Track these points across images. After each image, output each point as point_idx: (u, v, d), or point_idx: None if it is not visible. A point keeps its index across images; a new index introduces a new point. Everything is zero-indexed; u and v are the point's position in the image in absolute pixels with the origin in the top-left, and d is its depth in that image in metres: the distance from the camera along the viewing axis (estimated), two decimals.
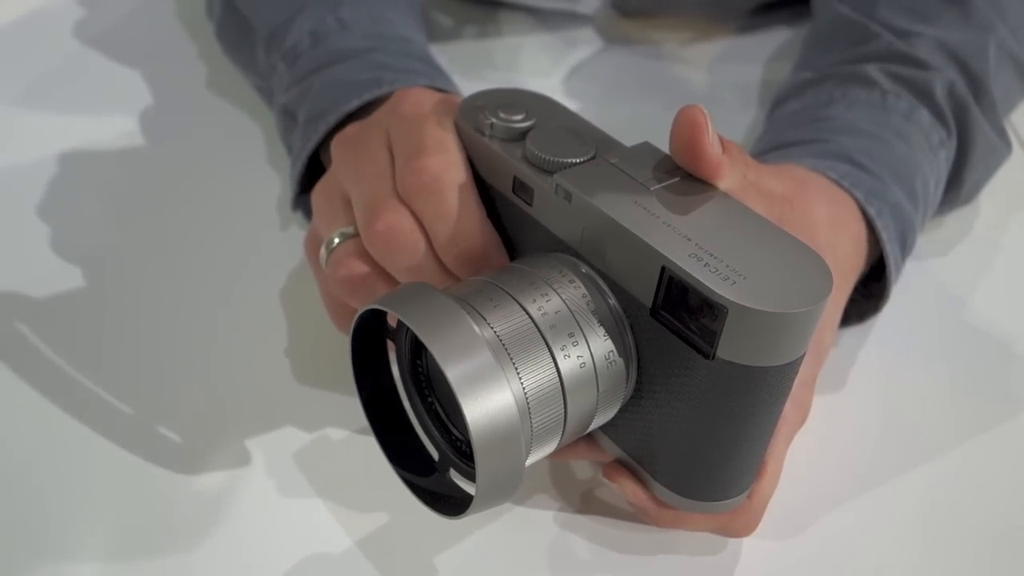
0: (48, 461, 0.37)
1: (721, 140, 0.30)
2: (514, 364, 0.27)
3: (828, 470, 0.37)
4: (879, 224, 0.38)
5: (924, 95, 0.43)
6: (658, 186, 0.29)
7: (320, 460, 0.37)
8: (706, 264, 0.26)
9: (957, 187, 0.45)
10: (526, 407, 0.27)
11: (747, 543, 0.35)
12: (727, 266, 0.26)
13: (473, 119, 0.33)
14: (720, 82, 0.60)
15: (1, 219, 0.48)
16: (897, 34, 0.45)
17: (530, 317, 0.28)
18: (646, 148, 0.31)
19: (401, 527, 0.35)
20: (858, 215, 0.38)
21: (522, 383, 0.27)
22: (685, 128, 0.29)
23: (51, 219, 0.48)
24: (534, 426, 0.28)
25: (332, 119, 0.40)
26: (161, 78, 0.59)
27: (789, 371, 0.28)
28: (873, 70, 0.44)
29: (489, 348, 0.26)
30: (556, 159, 0.30)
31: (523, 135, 0.32)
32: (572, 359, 0.28)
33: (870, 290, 0.41)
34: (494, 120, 0.32)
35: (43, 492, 0.35)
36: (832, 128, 0.42)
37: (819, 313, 0.26)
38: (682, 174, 0.30)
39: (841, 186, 0.38)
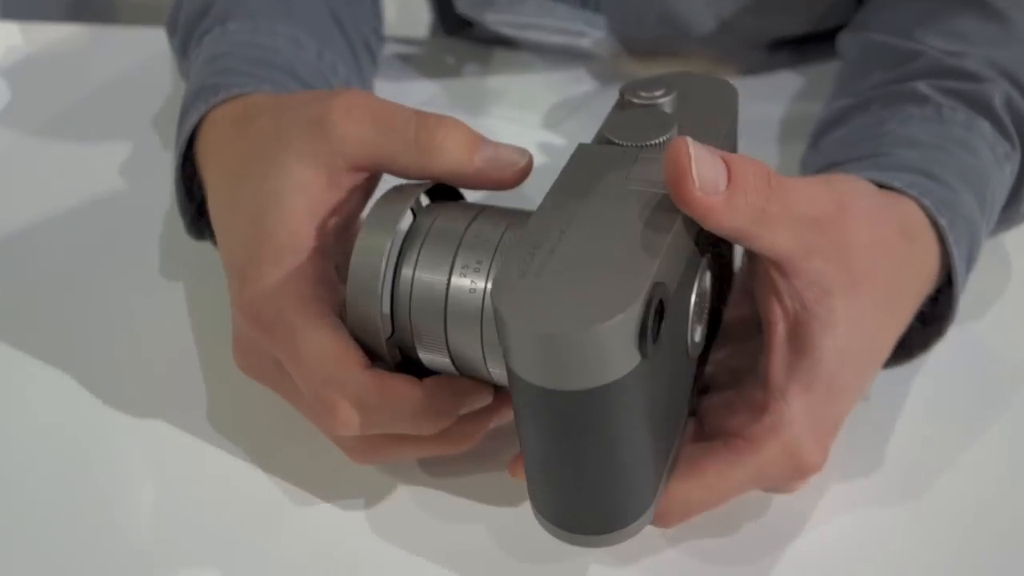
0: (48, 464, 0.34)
1: (729, 171, 0.27)
2: (420, 248, 0.30)
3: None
4: (951, 238, 0.34)
5: (982, 107, 0.40)
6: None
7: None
8: (522, 273, 0.25)
9: (1016, 204, 0.42)
10: (410, 280, 0.30)
11: None
12: (541, 281, 0.25)
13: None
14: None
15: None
16: (941, 52, 0.43)
17: (464, 230, 0.30)
18: None
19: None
20: (925, 226, 0.34)
21: (418, 259, 0.30)
22: (668, 170, 0.26)
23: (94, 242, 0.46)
24: (413, 314, 0.30)
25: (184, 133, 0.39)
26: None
27: (593, 400, 0.25)
28: (923, 86, 0.41)
29: (410, 222, 0.31)
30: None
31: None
32: (466, 280, 0.29)
33: (922, 314, 0.36)
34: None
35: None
36: (891, 143, 0.39)
37: (600, 341, 0.24)
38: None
39: (908, 195, 0.35)
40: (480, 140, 0.33)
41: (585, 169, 0.29)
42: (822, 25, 0.60)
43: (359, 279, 0.30)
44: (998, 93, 0.41)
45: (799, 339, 0.30)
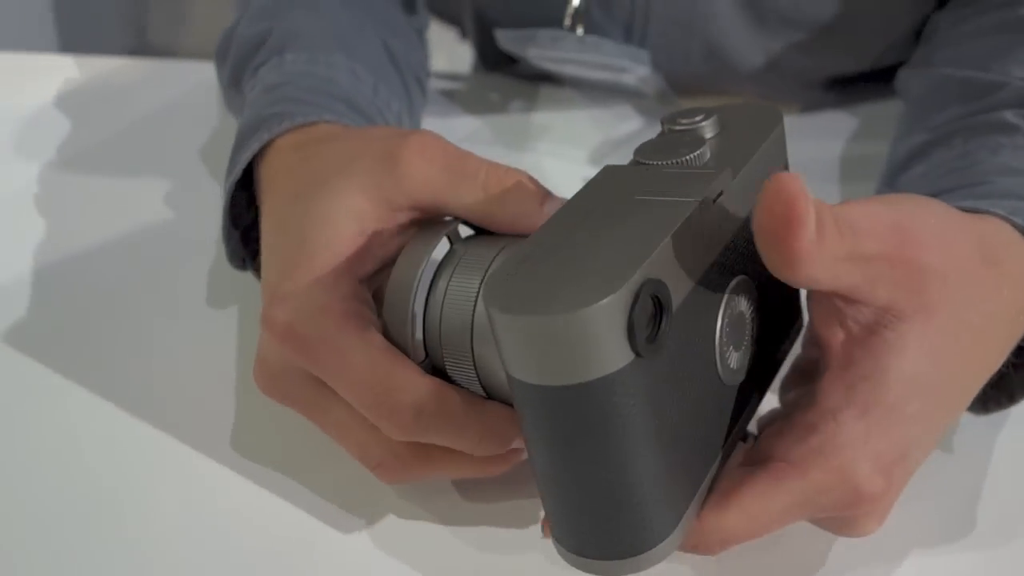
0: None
1: (819, 215, 0.25)
2: (452, 275, 0.31)
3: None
4: None
5: None
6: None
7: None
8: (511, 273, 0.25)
9: None
10: (440, 302, 0.30)
11: None
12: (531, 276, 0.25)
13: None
14: None
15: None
16: None
17: (493, 257, 0.31)
18: None
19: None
20: (1003, 258, 0.31)
21: (448, 285, 0.30)
22: (777, 205, 0.25)
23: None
24: (443, 338, 0.30)
25: (237, 170, 0.39)
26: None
27: (587, 397, 0.24)
28: (1010, 115, 0.40)
29: (444, 247, 0.32)
30: None
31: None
32: None
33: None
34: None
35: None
36: (983, 172, 0.37)
37: (585, 328, 0.23)
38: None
39: (1012, 223, 0.32)
40: (547, 194, 0.33)
41: (602, 186, 0.29)
42: (877, 64, 0.58)
43: (393, 304, 0.31)
44: None
45: (862, 362, 0.28)
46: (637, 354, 0.24)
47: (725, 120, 0.32)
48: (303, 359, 0.30)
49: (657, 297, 0.25)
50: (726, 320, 0.29)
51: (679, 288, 0.26)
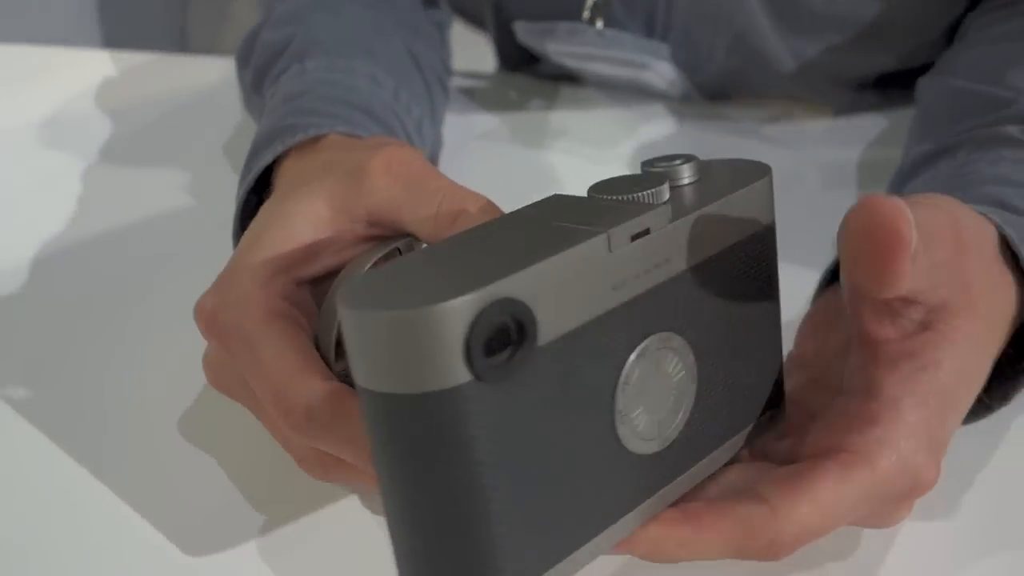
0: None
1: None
2: None
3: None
4: None
5: None
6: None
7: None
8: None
9: None
10: None
11: None
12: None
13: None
14: (803, 160, 0.55)
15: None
16: None
17: None
18: None
19: None
20: (1000, 260, 0.32)
21: None
22: (881, 227, 0.25)
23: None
24: None
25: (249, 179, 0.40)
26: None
27: (417, 413, 0.22)
28: (1016, 131, 0.39)
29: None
30: None
31: None
32: None
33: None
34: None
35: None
36: (976, 181, 0.37)
37: (415, 333, 0.22)
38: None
39: (990, 220, 0.32)
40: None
41: (533, 210, 0.27)
42: (909, 64, 0.56)
43: (325, 311, 0.31)
44: None
45: (919, 355, 0.29)
46: (475, 376, 0.22)
47: (708, 169, 0.29)
48: (220, 347, 0.31)
49: (518, 321, 0.23)
50: (634, 377, 0.26)
51: (556, 321, 0.24)
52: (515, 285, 0.23)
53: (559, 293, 0.24)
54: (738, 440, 0.30)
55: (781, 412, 0.32)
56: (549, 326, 0.24)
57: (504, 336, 0.23)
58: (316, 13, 0.50)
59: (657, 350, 0.26)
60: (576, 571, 0.26)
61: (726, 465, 0.30)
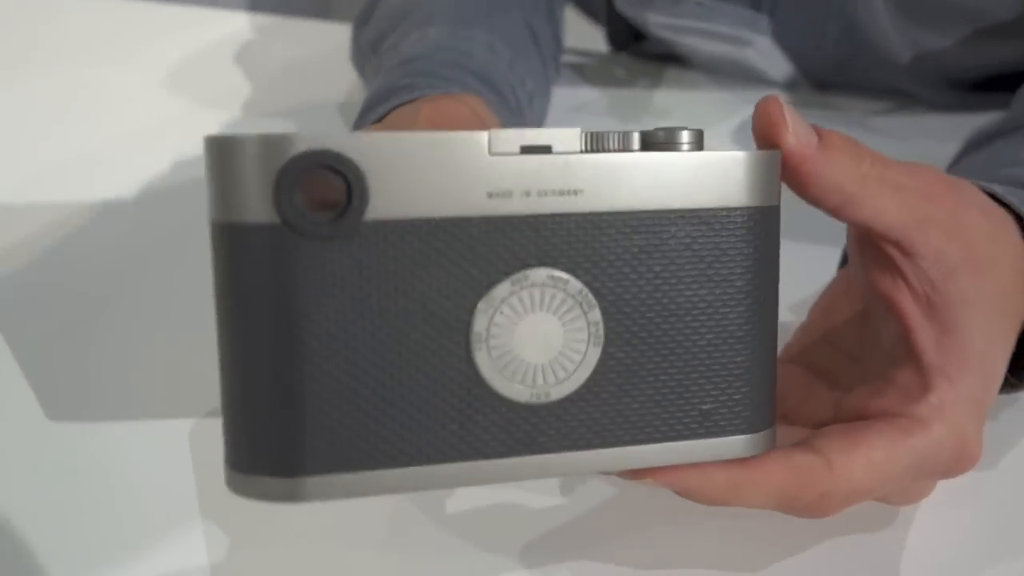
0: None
1: (818, 130, 0.26)
2: None
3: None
4: None
5: None
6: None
7: None
8: None
9: None
10: None
11: None
12: None
13: None
14: (911, 153, 0.53)
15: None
16: None
17: None
18: None
19: None
20: (1018, 240, 0.30)
21: None
22: (758, 120, 0.26)
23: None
24: None
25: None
26: None
27: (226, 244, 0.23)
28: None
29: None
30: None
31: None
32: None
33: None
34: None
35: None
36: (1007, 162, 0.36)
37: (233, 157, 0.22)
38: None
39: (1004, 202, 0.31)
40: None
41: None
42: None
43: None
44: None
45: (940, 320, 0.28)
46: (285, 221, 0.22)
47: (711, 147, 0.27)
48: None
49: (347, 181, 0.23)
50: (502, 302, 0.24)
51: (403, 200, 0.23)
52: (348, 143, 0.23)
53: (407, 171, 0.23)
54: (689, 449, 0.26)
55: (768, 438, 0.27)
56: (391, 202, 0.23)
57: (332, 197, 0.23)
58: None
59: (543, 285, 0.25)
60: (394, 488, 0.24)
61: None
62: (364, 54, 0.54)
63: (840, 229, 0.30)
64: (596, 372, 0.25)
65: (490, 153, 0.24)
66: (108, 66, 0.66)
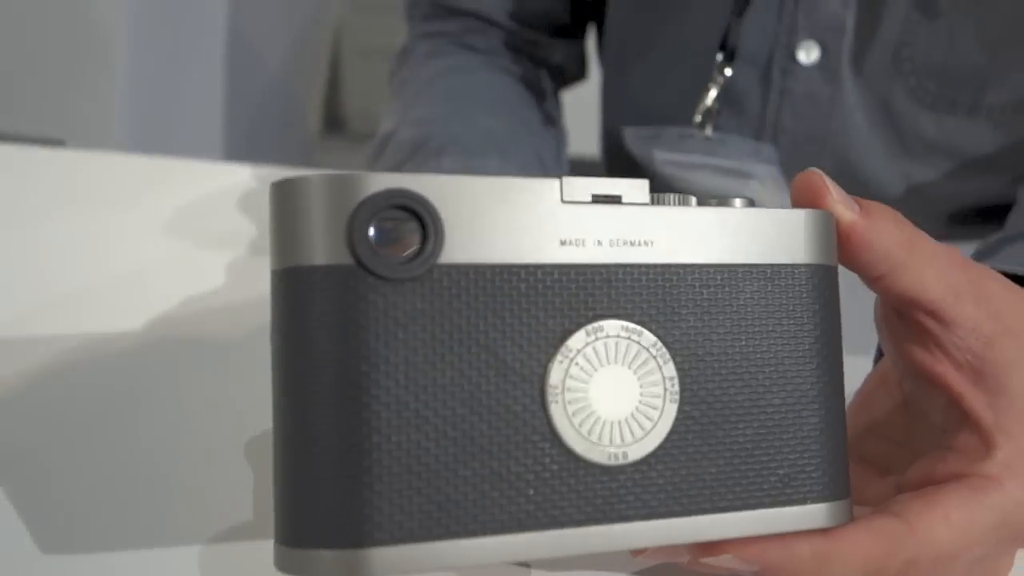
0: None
1: (858, 200, 0.27)
2: None
3: None
4: None
5: None
6: None
7: None
8: None
9: None
10: None
11: None
12: None
13: None
14: None
15: None
16: None
17: None
18: None
19: None
20: None
21: None
22: (801, 193, 0.27)
23: None
24: None
25: None
26: None
27: (289, 289, 0.22)
28: None
29: None
30: None
31: None
32: None
33: None
34: None
35: None
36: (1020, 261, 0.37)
37: (304, 201, 0.21)
38: None
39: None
40: None
41: None
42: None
43: None
44: None
45: (988, 384, 0.28)
46: (358, 261, 0.21)
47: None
48: None
49: (421, 222, 0.22)
50: (579, 354, 0.23)
51: (476, 243, 0.22)
52: (423, 182, 0.22)
53: (481, 214, 0.22)
54: (770, 518, 0.25)
55: (847, 507, 0.26)
56: (465, 246, 0.22)
57: (406, 238, 0.22)
58: (453, 118, 0.54)
59: (618, 337, 0.24)
60: (465, 561, 0.22)
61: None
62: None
63: (863, 338, 0.29)
64: (673, 431, 0.24)
65: (562, 201, 0.23)
66: (106, 213, 0.67)
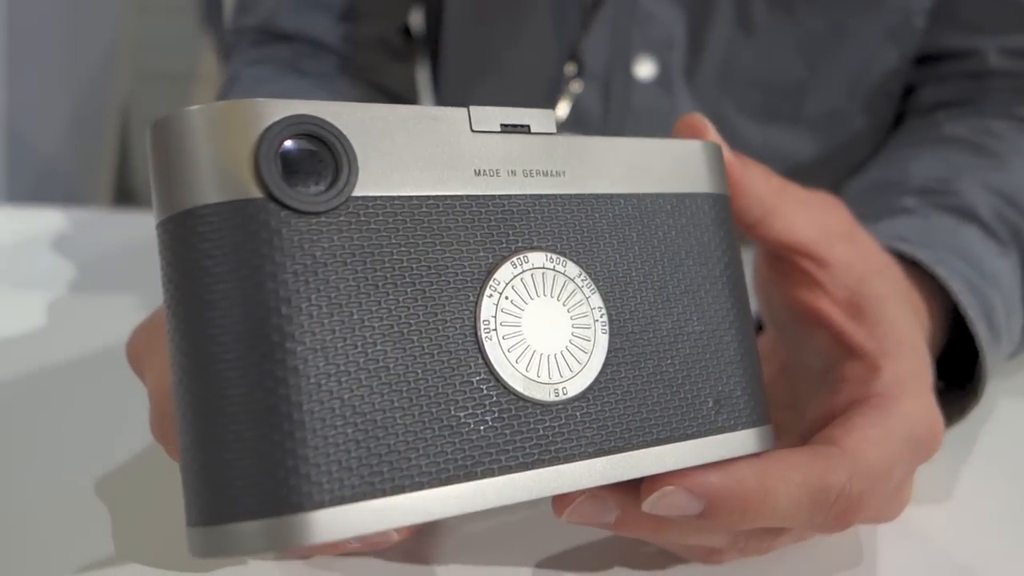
0: None
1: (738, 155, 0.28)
2: None
3: None
4: (954, 286, 0.34)
5: (967, 215, 0.40)
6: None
7: None
8: None
9: None
10: None
11: None
12: None
13: None
14: None
15: None
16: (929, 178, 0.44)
17: None
18: None
19: None
20: (912, 286, 0.34)
21: None
22: (683, 132, 0.28)
23: None
24: None
25: None
26: None
27: (211, 221, 0.19)
28: (910, 201, 0.42)
29: None
30: None
31: None
32: None
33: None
34: None
35: None
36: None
37: (196, 131, 0.19)
38: None
39: (897, 250, 0.34)
40: None
41: None
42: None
43: None
44: (984, 206, 0.40)
45: (864, 316, 0.29)
46: (269, 195, 0.19)
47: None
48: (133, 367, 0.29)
49: (332, 151, 0.20)
50: (506, 286, 0.22)
51: (390, 175, 0.21)
52: (331, 110, 0.20)
53: (394, 142, 0.21)
54: (707, 447, 0.24)
55: (771, 433, 0.26)
56: (379, 176, 0.21)
57: (316, 168, 0.20)
58: None
59: (543, 268, 0.23)
60: (414, 518, 0.20)
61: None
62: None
63: None
64: (607, 363, 0.23)
65: (472, 130, 0.22)
66: None
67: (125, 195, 1.77)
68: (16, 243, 0.63)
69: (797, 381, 0.32)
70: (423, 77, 0.67)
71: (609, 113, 0.56)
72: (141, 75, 1.77)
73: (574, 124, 0.56)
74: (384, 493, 0.20)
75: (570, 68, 0.55)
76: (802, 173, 0.57)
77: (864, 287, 0.29)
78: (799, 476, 0.24)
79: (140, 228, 0.63)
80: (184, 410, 0.20)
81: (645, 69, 0.55)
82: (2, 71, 1.35)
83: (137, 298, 0.52)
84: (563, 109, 0.54)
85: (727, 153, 0.27)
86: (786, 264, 0.30)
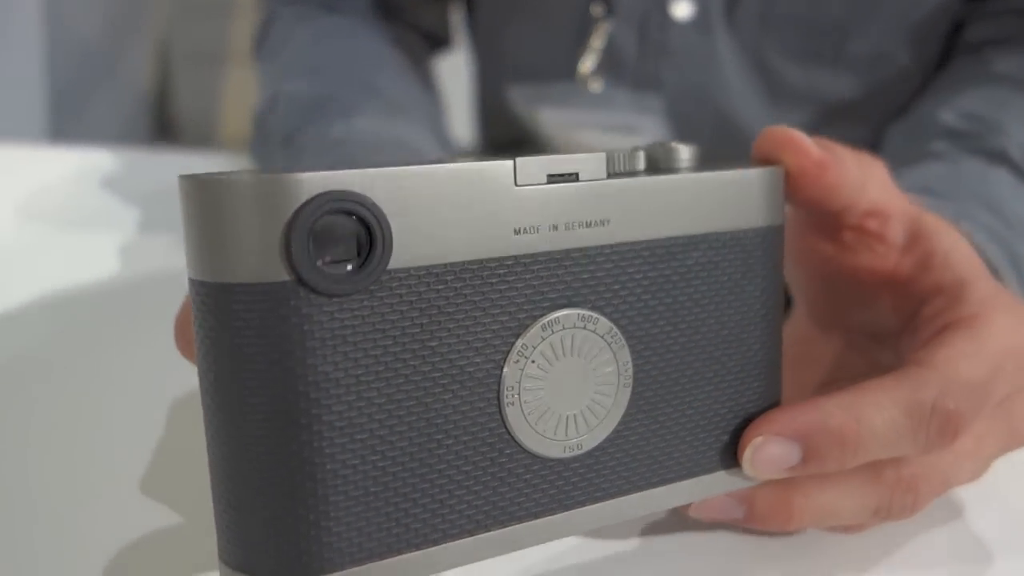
0: None
1: (819, 141, 0.27)
2: None
3: None
4: (979, 239, 0.34)
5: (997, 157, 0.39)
6: None
7: None
8: None
9: None
10: None
11: None
12: None
13: None
14: None
15: None
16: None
17: None
18: None
19: None
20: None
21: None
22: (768, 137, 0.26)
23: None
24: None
25: None
26: None
27: (241, 301, 0.19)
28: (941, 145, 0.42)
29: None
30: None
31: None
32: None
33: None
34: None
35: None
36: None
37: (232, 209, 0.18)
38: None
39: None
40: None
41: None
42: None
43: None
44: (1017, 146, 0.39)
45: (931, 256, 0.28)
46: (299, 278, 0.19)
47: (711, 159, 0.26)
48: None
49: (366, 226, 0.19)
50: (534, 351, 0.22)
51: (425, 245, 0.20)
52: (364, 180, 0.19)
53: (431, 211, 0.20)
54: (704, 485, 0.25)
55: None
56: (413, 247, 0.20)
57: (348, 244, 0.19)
58: (348, 79, 0.52)
59: (573, 328, 0.22)
60: (421, 572, 0.21)
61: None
62: (272, 143, 0.53)
63: None
64: (626, 415, 0.23)
65: (516, 184, 0.21)
66: None
67: (164, 128, 1.78)
68: (63, 182, 0.64)
69: (869, 349, 0.31)
70: (457, 17, 0.66)
71: (645, 56, 0.56)
72: (179, 4, 1.77)
73: (606, 68, 0.55)
74: (397, 552, 0.21)
75: (597, 9, 0.54)
76: (844, 114, 0.56)
77: (922, 226, 0.29)
78: (889, 398, 0.24)
79: (183, 167, 0.64)
80: (214, 462, 0.20)
81: (683, 9, 0.54)
82: (41, 12, 1.36)
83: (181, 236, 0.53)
84: (594, 52, 0.54)
85: (817, 153, 0.26)
86: (851, 232, 0.29)
